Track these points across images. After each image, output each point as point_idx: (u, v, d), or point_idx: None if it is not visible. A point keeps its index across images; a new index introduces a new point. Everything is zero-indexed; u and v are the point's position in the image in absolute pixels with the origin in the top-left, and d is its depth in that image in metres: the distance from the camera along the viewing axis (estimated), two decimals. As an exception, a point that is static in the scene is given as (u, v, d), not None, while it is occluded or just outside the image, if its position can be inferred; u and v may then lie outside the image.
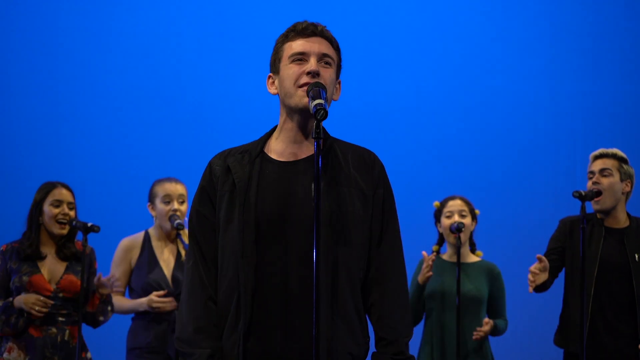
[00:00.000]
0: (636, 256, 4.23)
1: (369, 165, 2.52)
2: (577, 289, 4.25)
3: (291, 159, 2.51)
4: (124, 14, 6.88)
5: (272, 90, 2.57)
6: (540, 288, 4.35)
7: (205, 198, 2.52)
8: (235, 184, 2.46)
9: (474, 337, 4.57)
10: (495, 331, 4.66)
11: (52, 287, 4.33)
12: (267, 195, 2.45)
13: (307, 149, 2.51)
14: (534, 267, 4.22)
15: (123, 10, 6.89)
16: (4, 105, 6.74)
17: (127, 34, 6.85)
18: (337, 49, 2.55)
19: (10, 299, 4.26)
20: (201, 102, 6.84)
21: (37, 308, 4.20)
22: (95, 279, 4.38)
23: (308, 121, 2.50)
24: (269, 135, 2.59)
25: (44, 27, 6.79)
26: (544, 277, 4.24)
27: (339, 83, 2.58)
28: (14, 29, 6.78)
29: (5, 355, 4.25)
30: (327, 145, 2.51)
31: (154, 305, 4.51)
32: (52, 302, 4.26)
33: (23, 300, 4.22)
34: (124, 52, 6.82)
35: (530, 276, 4.22)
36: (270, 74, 2.58)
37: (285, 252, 2.40)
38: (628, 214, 4.36)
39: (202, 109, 6.83)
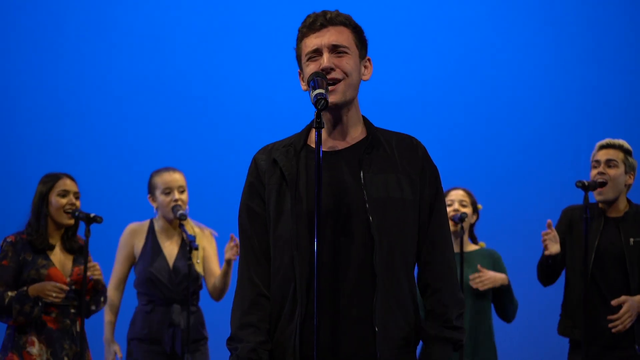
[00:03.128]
0: (631, 240, 4.26)
1: (412, 149, 2.53)
2: (577, 278, 4.32)
3: (335, 149, 2.51)
4: (129, 7, 6.88)
5: (303, 86, 2.55)
6: (550, 276, 4.45)
7: (255, 193, 2.52)
8: (283, 176, 2.47)
9: (474, 284, 4.56)
10: (508, 293, 4.63)
11: (67, 279, 4.36)
12: None
13: (350, 138, 2.52)
14: (544, 232, 4.34)
15: (127, 3, 6.89)
16: (6, 99, 6.75)
17: (130, 27, 6.84)
18: (353, 30, 2.53)
19: (25, 288, 4.26)
20: (203, 94, 6.84)
21: (54, 294, 4.22)
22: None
23: (341, 114, 2.50)
24: (310, 126, 2.58)
25: (48, 20, 6.79)
26: (556, 246, 4.32)
27: (369, 60, 2.59)
28: (18, 21, 6.78)
29: (29, 348, 4.26)
30: (372, 135, 2.52)
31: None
32: (67, 287, 4.29)
33: (39, 288, 4.23)
34: (126, 46, 6.82)
35: (542, 240, 4.35)
36: (299, 70, 2.57)
37: (340, 242, 2.41)
38: (628, 201, 4.39)
39: (205, 101, 6.83)
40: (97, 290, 4.44)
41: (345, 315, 2.38)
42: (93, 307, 4.47)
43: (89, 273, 4.37)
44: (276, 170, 2.49)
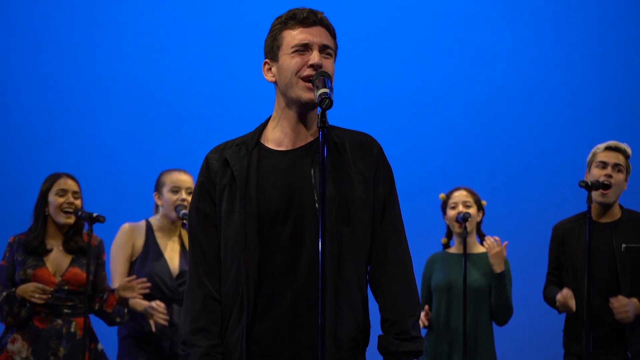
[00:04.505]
0: (623, 246, 4.23)
1: (367, 148, 2.51)
2: (572, 287, 4.31)
3: (289, 148, 2.48)
4: (128, 7, 6.87)
5: (269, 77, 2.52)
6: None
7: (205, 194, 2.49)
8: (234, 176, 2.44)
9: (485, 246, 4.58)
10: (503, 282, 4.60)
11: (57, 279, 4.33)
12: (268, 185, 2.43)
13: (305, 137, 2.49)
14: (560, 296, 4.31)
15: (127, 3, 6.88)
16: (7, 99, 6.74)
17: (129, 27, 6.84)
18: (334, 36, 2.52)
19: (13, 289, 4.27)
20: (203, 96, 6.83)
21: (36, 295, 4.20)
22: (122, 285, 4.39)
23: (308, 111, 2.48)
24: (264, 125, 2.56)
25: (49, 19, 6.78)
26: (572, 301, 4.30)
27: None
28: (20, 19, 6.77)
29: (9, 346, 4.27)
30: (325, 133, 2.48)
31: (151, 312, 4.50)
32: (51, 289, 4.26)
33: (24, 289, 4.23)
34: (127, 46, 6.81)
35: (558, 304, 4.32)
36: (267, 60, 2.53)
37: (290, 242, 2.38)
38: (620, 206, 4.36)
39: (204, 103, 6.82)
40: (120, 302, 4.43)
41: (294, 316, 2.36)
42: (118, 319, 4.46)
43: (124, 293, 4.37)
44: (227, 170, 2.46)
